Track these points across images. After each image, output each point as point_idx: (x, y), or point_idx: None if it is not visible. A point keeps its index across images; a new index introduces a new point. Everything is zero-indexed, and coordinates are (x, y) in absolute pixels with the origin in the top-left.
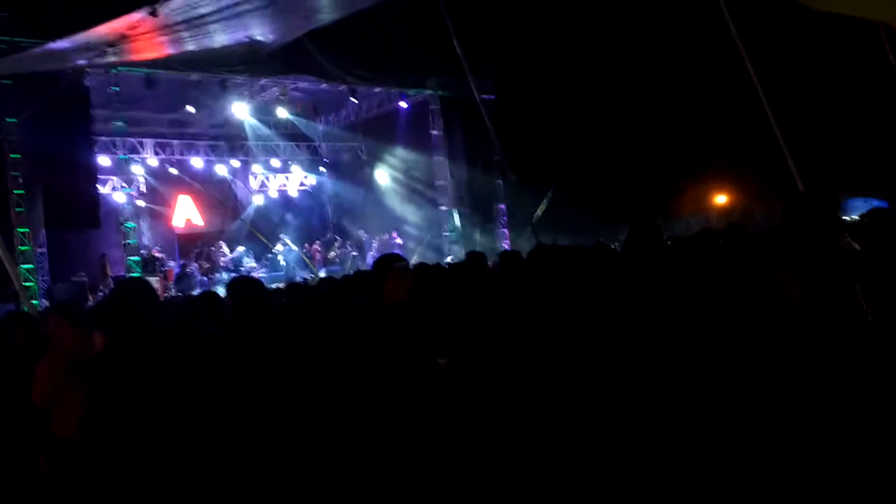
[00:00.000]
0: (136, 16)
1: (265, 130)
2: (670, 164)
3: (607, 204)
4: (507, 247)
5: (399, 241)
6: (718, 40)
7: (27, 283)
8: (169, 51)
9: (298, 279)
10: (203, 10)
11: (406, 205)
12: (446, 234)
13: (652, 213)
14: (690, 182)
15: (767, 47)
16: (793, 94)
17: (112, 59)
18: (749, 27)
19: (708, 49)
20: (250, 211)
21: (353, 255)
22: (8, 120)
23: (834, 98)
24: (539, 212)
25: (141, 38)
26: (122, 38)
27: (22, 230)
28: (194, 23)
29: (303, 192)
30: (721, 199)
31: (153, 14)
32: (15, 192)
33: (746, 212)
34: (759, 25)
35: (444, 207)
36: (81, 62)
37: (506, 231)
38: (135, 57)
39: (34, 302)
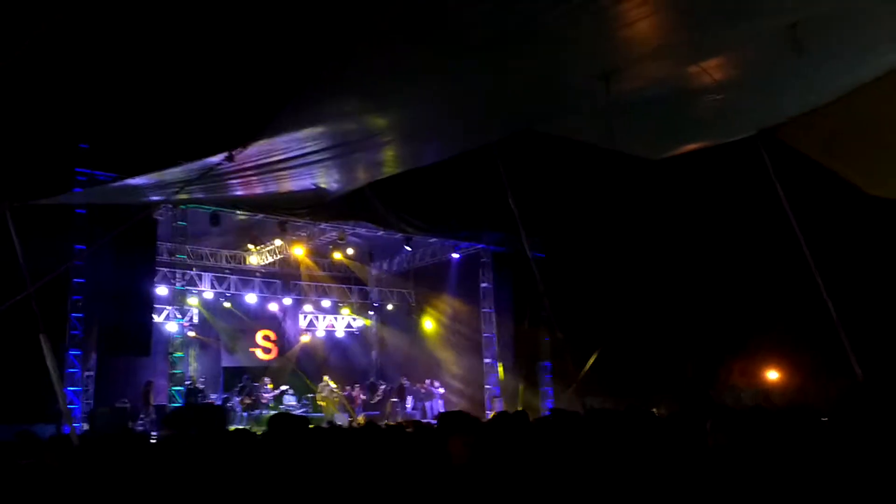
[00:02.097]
0: (214, 160)
1: (319, 272)
2: (722, 333)
3: (654, 367)
4: (550, 404)
5: (441, 390)
6: (773, 215)
7: (72, 406)
8: (237, 192)
9: (337, 422)
10: (275, 158)
11: (450, 355)
12: (488, 387)
13: (700, 381)
14: (740, 354)
15: (823, 227)
16: (849, 275)
17: (184, 196)
18: (804, 203)
19: (763, 223)
20: (296, 349)
21: (394, 402)
22: (77, 247)
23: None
24: (582, 372)
25: (214, 180)
26: (196, 179)
27: (75, 352)
28: (265, 168)
29: (349, 334)
30: (773, 375)
31: (230, 159)
32: (73, 315)
33: (800, 390)
34: (814, 203)
35: (488, 360)
36: (156, 198)
37: (549, 389)
38: (205, 196)
39: (73, 425)
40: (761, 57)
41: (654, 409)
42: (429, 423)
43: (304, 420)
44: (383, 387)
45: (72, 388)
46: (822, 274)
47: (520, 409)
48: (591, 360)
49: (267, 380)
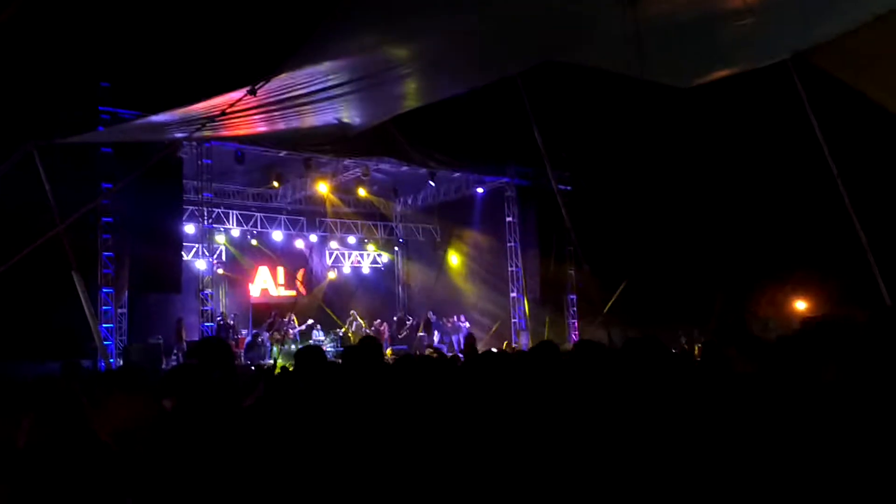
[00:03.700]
0: (237, 94)
1: (344, 208)
2: (749, 263)
3: (681, 299)
4: (576, 337)
5: (467, 324)
6: (805, 142)
7: (106, 342)
8: (260, 128)
9: None
10: (297, 93)
11: (476, 289)
12: (515, 321)
13: (729, 312)
14: (769, 284)
15: (855, 151)
16: (880, 200)
17: (207, 133)
18: (836, 129)
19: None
20: (323, 285)
21: (421, 336)
22: (104, 186)
23: None
24: (609, 304)
25: (236, 115)
26: (219, 115)
27: (107, 290)
28: (287, 103)
29: (375, 270)
30: (801, 305)
31: (252, 93)
32: (104, 253)
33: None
34: (847, 128)
35: (514, 294)
36: (179, 135)
37: (575, 322)
38: (228, 132)
39: (110, 361)
40: None
41: (682, 339)
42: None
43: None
44: (410, 321)
45: (105, 325)
46: (853, 201)
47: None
48: (618, 292)
49: (292, 315)
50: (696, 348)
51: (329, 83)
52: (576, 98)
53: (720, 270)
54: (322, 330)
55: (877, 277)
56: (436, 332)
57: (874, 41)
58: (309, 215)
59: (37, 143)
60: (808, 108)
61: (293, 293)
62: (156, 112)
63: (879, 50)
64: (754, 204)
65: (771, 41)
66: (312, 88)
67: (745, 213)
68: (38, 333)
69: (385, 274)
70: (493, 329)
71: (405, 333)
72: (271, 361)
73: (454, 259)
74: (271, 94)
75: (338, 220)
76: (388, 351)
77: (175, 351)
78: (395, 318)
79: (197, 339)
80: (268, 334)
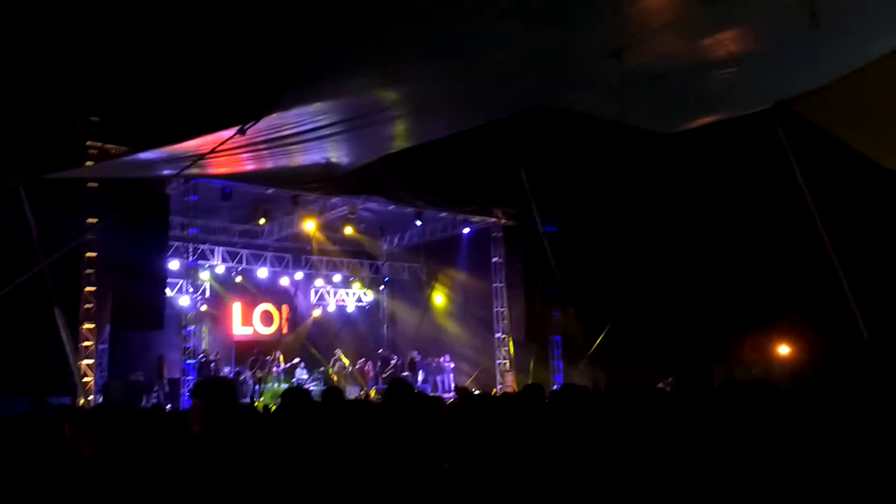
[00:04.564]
0: (226, 133)
1: (330, 246)
2: (733, 308)
3: (665, 343)
4: (560, 379)
5: (451, 364)
6: (787, 189)
7: (86, 379)
8: (249, 166)
9: (349, 395)
10: (286, 132)
11: (461, 330)
12: (499, 361)
13: (709, 357)
14: (753, 328)
15: (836, 200)
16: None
17: (195, 170)
18: (818, 177)
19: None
20: (308, 323)
21: (405, 376)
22: (89, 220)
23: None
24: (594, 347)
25: (225, 154)
26: (208, 153)
27: (88, 326)
28: (276, 143)
29: (360, 309)
30: (784, 350)
31: (242, 133)
32: (86, 289)
33: (810, 363)
34: (828, 178)
35: (499, 335)
36: (167, 172)
37: (559, 364)
38: (216, 170)
39: (89, 397)
40: (777, 29)
41: (661, 384)
42: (438, 396)
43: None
44: (395, 360)
45: (86, 362)
46: (835, 248)
47: (530, 383)
48: (602, 335)
49: (278, 354)
50: None
51: (318, 123)
52: (561, 141)
53: (704, 315)
54: (306, 368)
55: (859, 323)
56: (420, 372)
57: (854, 92)
58: (295, 252)
59: (22, 179)
60: (790, 155)
61: (271, 332)
62: (144, 149)
63: (859, 100)
64: (738, 249)
65: (754, 90)
66: (301, 129)
67: (729, 258)
68: (17, 369)
69: (370, 313)
70: (473, 377)
71: (389, 373)
72: (248, 400)
73: (439, 299)
74: (260, 133)
75: (323, 258)
76: (373, 391)
77: (156, 388)
78: (378, 358)
79: (178, 376)
80: (250, 372)
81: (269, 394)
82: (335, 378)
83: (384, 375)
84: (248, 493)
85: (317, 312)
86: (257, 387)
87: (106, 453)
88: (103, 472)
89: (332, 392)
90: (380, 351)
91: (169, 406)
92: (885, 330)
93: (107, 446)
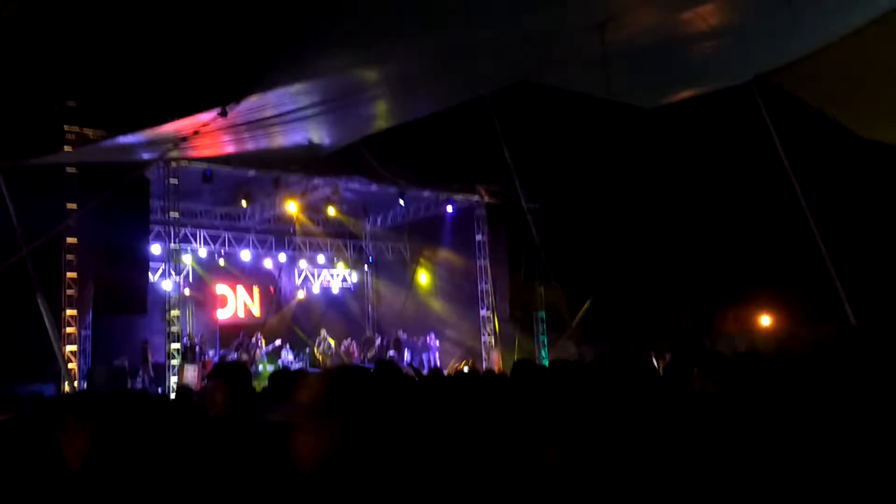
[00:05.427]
0: (207, 116)
1: (314, 228)
2: (715, 280)
3: (649, 315)
4: (545, 354)
5: (437, 343)
6: (767, 161)
7: (70, 365)
8: (229, 149)
9: None
10: (267, 114)
11: (446, 307)
12: (485, 338)
13: (694, 329)
14: (735, 300)
15: (817, 170)
16: (841, 217)
17: (175, 153)
18: (798, 149)
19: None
20: (292, 305)
21: (391, 355)
22: (68, 206)
23: (884, 223)
24: (577, 319)
25: (205, 136)
26: (188, 136)
27: (70, 312)
28: (257, 124)
29: (345, 290)
30: (766, 321)
31: (223, 115)
32: (68, 274)
33: (792, 334)
34: (808, 148)
35: (484, 312)
36: (147, 156)
37: (545, 338)
38: (196, 153)
39: (74, 384)
40: (757, 1)
41: (653, 358)
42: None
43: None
44: (379, 341)
45: (69, 348)
46: (815, 219)
47: (517, 358)
48: (585, 309)
49: (260, 336)
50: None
51: (299, 104)
52: (543, 117)
53: (687, 287)
54: (291, 350)
55: (840, 293)
56: (406, 351)
57: (834, 63)
58: (278, 234)
59: (1, 165)
60: (770, 127)
61: (255, 314)
62: (123, 132)
63: (839, 71)
64: (719, 222)
65: (734, 63)
66: (282, 110)
67: (711, 231)
68: (1, 356)
69: (354, 293)
70: (460, 361)
71: (374, 353)
72: None
73: (424, 278)
74: (241, 115)
75: (307, 240)
76: None
77: (141, 373)
78: (363, 338)
79: (163, 360)
80: (236, 355)
81: (263, 376)
82: (321, 359)
83: (369, 355)
84: (267, 474)
85: (301, 294)
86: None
87: (112, 445)
88: (108, 467)
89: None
90: (365, 333)
91: (160, 390)
92: (868, 302)
93: (113, 436)
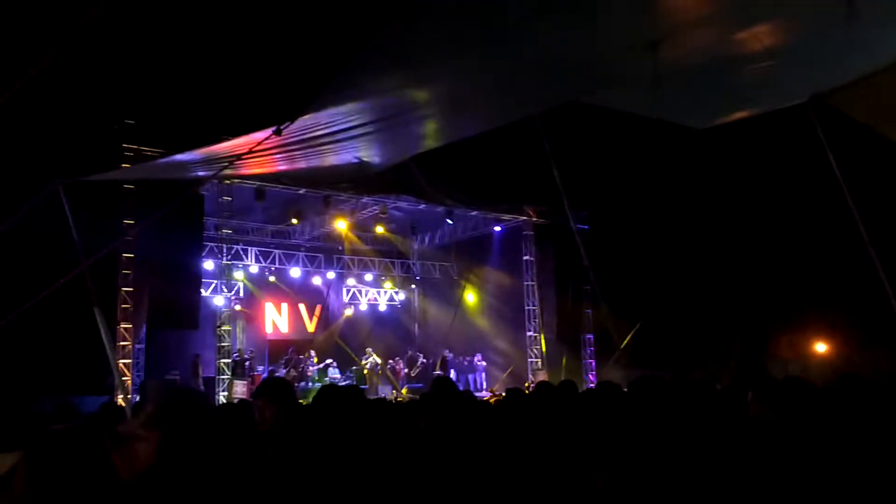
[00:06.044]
0: (261, 135)
1: (362, 246)
2: (769, 304)
3: (697, 340)
4: (593, 377)
5: (483, 363)
6: (823, 184)
7: (124, 378)
8: (281, 167)
9: (381, 394)
10: (319, 132)
11: (493, 327)
12: (531, 360)
13: (749, 354)
14: (788, 325)
15: (873, 192)
16: None
17: (229, 171)
18: (855, 171)
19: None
20: (340, 322)
21: (437, 375)
22: (125, 222)
23: None
24: (625, 343)
25: (259, 155)
26: (242, 154)
27: (125, 326)
28: (309, 143)
29: (391, 307)
30: (821, 347)
31: (277, 133)
32: (124, 289)
33: (846, 361)
34: (865, 170)
35: (531, 333)
36: (202, 173)
37: (592, 362)
38: (249, 171)
39: (128, 396)
40: (813, 22)
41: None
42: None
43: (354, 390)
44: (422, 359)
45: (123, 361)
46: (874, 244)
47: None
48: (632, 333)
49: (312, 353)
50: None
51: (350, 123)
52: (593, 137)
53: (739, 311)
54: (338, 367)
55: None
56: (451, 371)
57: (891, 85)
58: (327, 252)
59: (62, 181)
60: (826, 149)
61: (304, 331)
62: (180, 151)
63: None
64: (773, 245)
65: (789, 83)
66: (335, 129)
67: (765, 255)
68: (58, 368)
69: (401, 311)
70: (508, 372)
71: (417, 371)
72: None
73: (471, 297)
74: (293, 134)
75: (355, 258)
76: (404, 390)
77: (192, 387)
78: (406, 356)
79: (213, 374)
80: (284, 371)
81: (311, 392)
82: (368, 376)
83: (413, 374)
84: (313, 486)
85: (349, 311)
86: (297, 385)
87: (177, 455)
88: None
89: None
90: (409, 349)
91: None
92: None
93: (180, 447)
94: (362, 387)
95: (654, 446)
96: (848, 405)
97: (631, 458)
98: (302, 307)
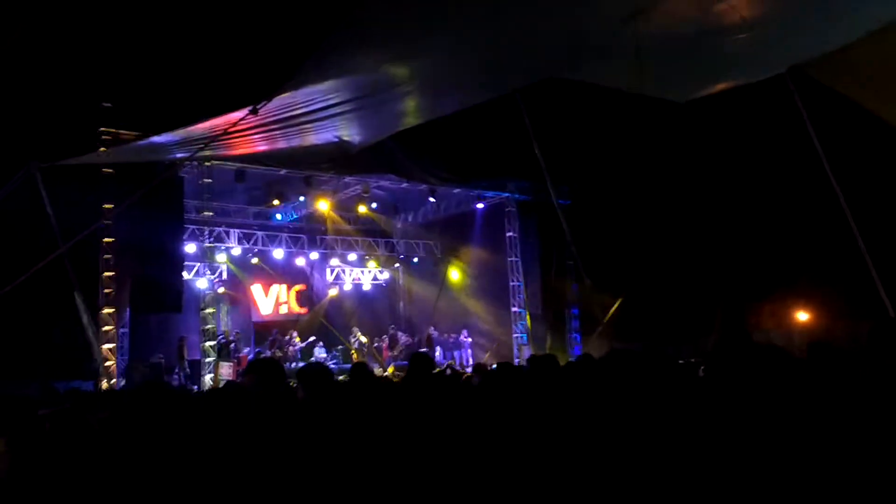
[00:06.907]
0: (238, 114)
1: (345, 226)
2: (749, 276)
3: (681, 312)
4: (578, 351)
5: (469, 339)
6: (804, 155)
7: (108, 363)
8: (261, 147)
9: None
10: (298, 111)
11: (477, 304)
12: (516, 335)
13: (729, 326)
14: (770, 296)
15: (853, 162)
16: (879, 210)
17: (208, 152)
18: (834, 141)
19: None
20: (325, 302)
21: (423, 352)
22: (105, 206)
23: None
24: (608, 317)
25: (237, 135)
26: (220, 134)
27: (108, 311)
28: (288, 122)
29: (376, 287)
30: (803, 317)
31: (254, 113)
32: (105, 273)
33: (828, 330)
34: (846, 141)
35: (515, 309)
36: (180, 155)
37: (577, 335)
38: (229, 152)
39: (112, 381)
40: None
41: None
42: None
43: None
44: (405, 338)
45: (107, 346)
46: (852, 212)
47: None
48: (616, 306)
49: (294, 333)
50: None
51: (330, 102)
52: (574, 112)
53: (721, 283)
54: (324, 347)
55: (878, 288)
56: (438, 348)
57: (870, 54)
58: (309, 233)
59: (39, 165)
60: (806, 120)
61: (288, 312)
62: (157, 132)
63: (875, 62)
64: (754, 216)
65: (768, 55)
66: (313, 107)
67: (745, 226)
68: (39, 353)
69: (386, 290)
70: (493, 348)
71: (401, 350)
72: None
73: (455, 275)
74: (272, 114)
75: (338, 238)
76: (391, 368)
77: (177, 370)
78: (387, 335)
79: (198, 357)
80: (270, 352)
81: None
82: (355, 355)
83: (393, 353)
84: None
85: (333, 291)
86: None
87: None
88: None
89: (359, 368)
90: (391, 328)
91: (195, 388)
92: None
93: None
94: (348, 366)
95: (618, 415)
96: (816, 372)
97: (595, 427)
98: (284, 288)
